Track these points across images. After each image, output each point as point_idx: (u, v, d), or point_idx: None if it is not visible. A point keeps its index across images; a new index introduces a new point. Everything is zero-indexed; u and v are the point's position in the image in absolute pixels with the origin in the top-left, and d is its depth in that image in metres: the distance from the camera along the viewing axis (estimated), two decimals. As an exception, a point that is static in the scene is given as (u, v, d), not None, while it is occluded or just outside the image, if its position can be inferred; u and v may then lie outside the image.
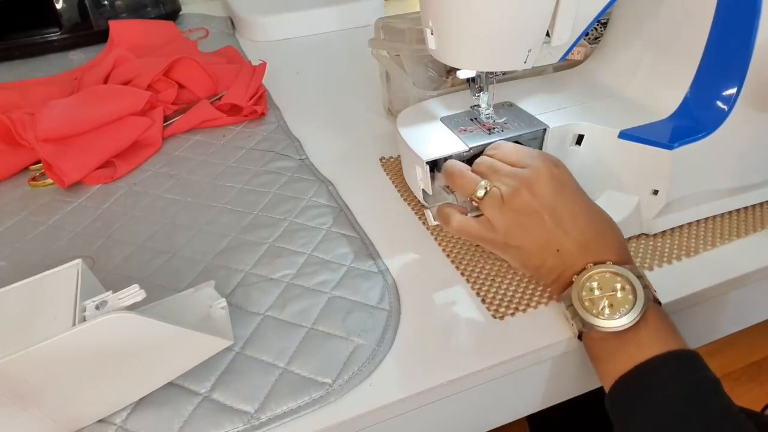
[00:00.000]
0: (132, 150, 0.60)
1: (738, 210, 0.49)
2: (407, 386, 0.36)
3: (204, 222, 0.51)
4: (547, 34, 0.37)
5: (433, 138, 0.45)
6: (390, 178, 0.56)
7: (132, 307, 0.33)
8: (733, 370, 1.30)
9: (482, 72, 0.43)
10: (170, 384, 0.36)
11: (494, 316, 0.41)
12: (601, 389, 0.37)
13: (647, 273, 0.44)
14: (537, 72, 0.56)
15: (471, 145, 0.44)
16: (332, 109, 0.70)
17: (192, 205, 0.53)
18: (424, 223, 0.50)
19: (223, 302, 0.38)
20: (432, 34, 0.39)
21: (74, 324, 0.31)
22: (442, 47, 0.39)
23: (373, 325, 0.40)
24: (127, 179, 0.58)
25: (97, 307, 0.32)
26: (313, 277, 0.44)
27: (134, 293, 0.33)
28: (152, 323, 0.32)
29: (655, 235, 0.47)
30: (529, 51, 0.37)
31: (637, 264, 0.44)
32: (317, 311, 0.41)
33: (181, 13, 1.00)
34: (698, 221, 0.48)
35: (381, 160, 0.59)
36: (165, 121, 0.64)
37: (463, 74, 0.43)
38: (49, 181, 0.57)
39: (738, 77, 0.42)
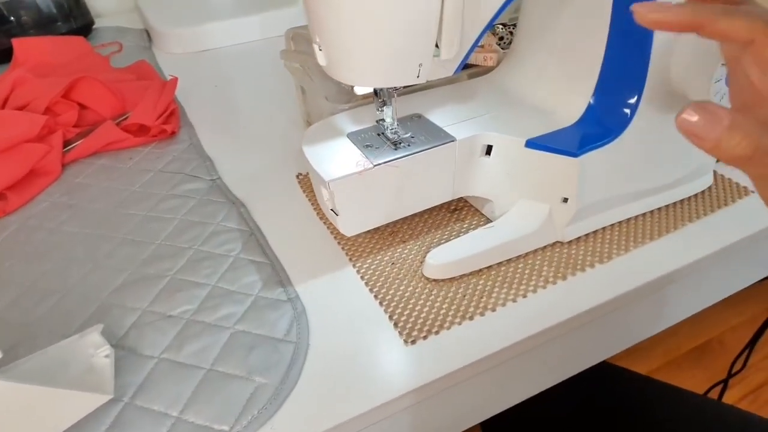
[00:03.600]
0: (27, 180, 0.55)
1: (652, 212, 0.49)
2: (310, 426, 0.34)
3: (102, 255, 0.47)
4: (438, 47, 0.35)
5: (337, 156, 0.43)
6: (306, 196, 0.54)
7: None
8: (676, 356, 1.34)
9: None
10: (49, 445, 0.33)
11: (406, 341, 0.39)
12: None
13: (561, 283, 0.43)
14: (452, 80, 0.55)
15: (376, 162, 0.42)
16: (251, 124, 0.67)
17: (90, 238, 0.49)
18: (339, 243, 0.48)
19: (106, 350, 0.35)
20: (320, 49, 0.37)
21: None
22: (331, 63, 0.37)
23: (278, 360, 0.37)
24: (21, 212, 0.53)
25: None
26: (215, 311, 0.41)
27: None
28: (9, 386, 0.28)
29: (569, 243, 0.46)
30: (420, 65, 0.35)
31: (551, 273, 0.44)
32: (218, 350, 0.38)
33: (94, 26, 0.95)
34: (612, 226, 0.47)
35: (298, 177, 0.57)
36: (67, 146, 0.60)
37: (359, 90, 0.41)
38: (-68, 219, 0.52)
39: (638, 81, 0.42)
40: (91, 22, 0.95)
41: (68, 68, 0.76)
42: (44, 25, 0.91)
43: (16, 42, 0.80)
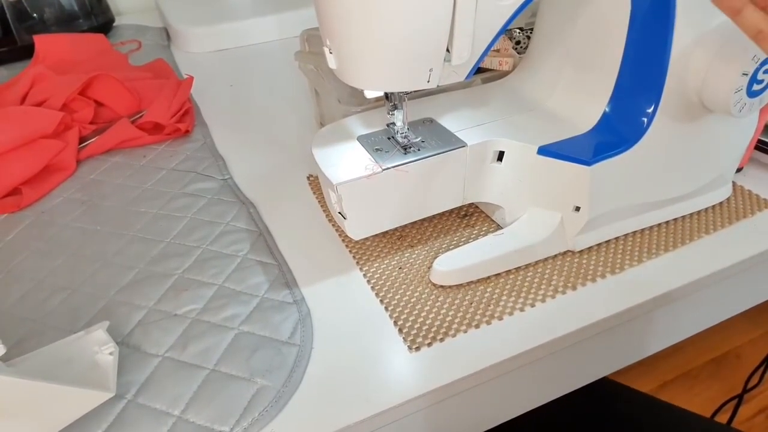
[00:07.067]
0: (42, 175, 0.56)
1: (667, 222, 0.48)
2: (310, 430, 0.34)
3: (111, 253, 0.47)
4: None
5: (346, 159, 0.43)
6: (316, 198, 0.54)
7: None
8: (692, 368, 1.31)
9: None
10: (51, 440, 0.33)
11: (410, 348, 0.39)
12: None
13: (571, 293, 0.42)
14: (465, 84, 0.54)
15: (384, 166, 0.41)
16: (264, 124, 0.67)
17: (100, 234, 0.50)
18: (347, 246, 0.47)
19: (111, 347, 0.35)
20: (331, 53, 0.36)
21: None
22: (342, 67, 0.37)
23: (281, 363, 0.37)
24: (35, 207, 0.54)
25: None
26: (221, 311, 0.41)
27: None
28: (11, 382, 0.29)
29: (581, 252, 0.45)
30: (431, 70, 0.35)
31: (561, 283, 0.43)
32: (221, 350, 0.38)
33: (115, 24, 0.96)
34: (625, 236, 0.47)
35: (309, 178, 0.56)
36: (82, 143, 0.61)
37: (369, 93, 0.41)
38: (-50, 212, 0.53)
39: (655, 90, 0.41)
40: (112, 20, 0.96)
41: (87, 65, 0.77)
42: (66, 22, 0.92)
43: (37, 39, 0.81)
